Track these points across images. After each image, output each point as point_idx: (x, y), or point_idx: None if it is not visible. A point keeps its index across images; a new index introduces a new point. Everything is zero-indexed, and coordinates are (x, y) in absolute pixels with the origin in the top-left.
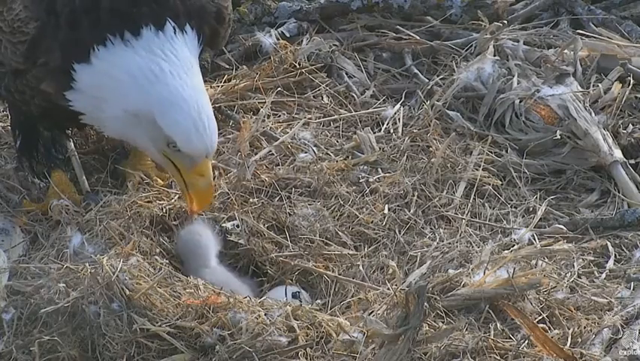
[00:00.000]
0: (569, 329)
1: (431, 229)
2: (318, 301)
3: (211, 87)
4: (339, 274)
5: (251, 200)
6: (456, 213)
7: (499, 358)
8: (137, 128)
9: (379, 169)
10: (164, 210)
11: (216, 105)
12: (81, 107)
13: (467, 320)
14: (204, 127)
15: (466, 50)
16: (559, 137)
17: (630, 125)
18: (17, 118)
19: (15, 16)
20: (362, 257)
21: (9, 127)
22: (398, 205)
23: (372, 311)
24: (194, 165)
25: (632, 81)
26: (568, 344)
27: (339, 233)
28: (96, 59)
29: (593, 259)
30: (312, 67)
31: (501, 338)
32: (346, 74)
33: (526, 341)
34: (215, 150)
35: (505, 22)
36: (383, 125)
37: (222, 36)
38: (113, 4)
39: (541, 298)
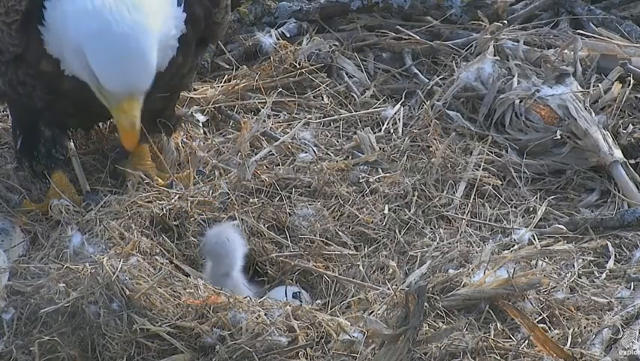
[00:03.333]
0: (569, 329)
1: (431, 229)
2: (318, 301)
3: (211, 87)
4: (339, 274)
5: (251, 200)
6: (456, 213)
7: (499, 358)
8: (82, 64)
9: (379, 169)
10: (164, 210)
11: (216, 105)
12: (53, 48)
13: (467, 320)
14: (129, 65)
15: (466, 50)
16: (559, 137)
17: (630, 125)
18: (19, 117)
19: None
20: (362, 257)
21: (9, 127)
22: (398, 205)
23: (372, 311)
24: (119, 103)
25: (632, 81)
26: (568, 344)
27: (339, 233)
28: None
29: (593, 259)
30: (312, 67)
31: (501, 338)
32: (346, 74)
33: (526, 341)
34: (143, 91)
35: (505, 22)
36: (383, 125)
37: (217, 22)
38: None
39: (541, 298)
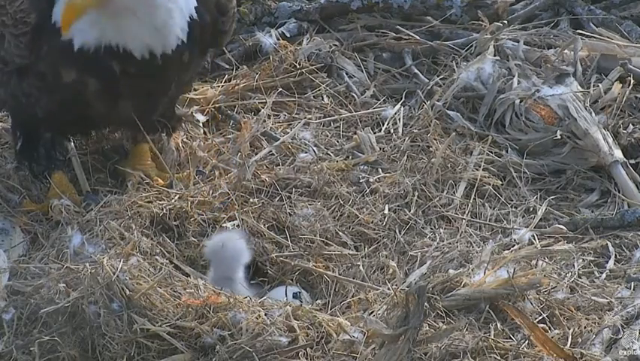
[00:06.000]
0: (569, 329)
1: (431, 229)
2: (319, 301)
3: (211, 87)
4: (340, 274)
5: (251, 200)
6: (456, 214)
7: (499, 358)
8: None
9: (379, 169)
10: (164, 210)
11: (216, 105)
12: None
13: (467, 320)
14: None
15: (466, 50)
16: (559, 137)
17: (630, 125)
18: (18, 122)
19: (17, 8)
20: (362, 257)
21: (9, 127)
22: (398, 205)
23: (373, 311)
24: None
25: (632, 81)
26: (568, 344)
27: (340, 233)
28: None
29: (593, 259)
30: (312, 67)
31: (501, 338)
32: (346, 74)
33: (526, 341)
34: None
35: (505, 22)
36: (383, 125)
37: (222, 30)
38: None
39: (541, 298)
